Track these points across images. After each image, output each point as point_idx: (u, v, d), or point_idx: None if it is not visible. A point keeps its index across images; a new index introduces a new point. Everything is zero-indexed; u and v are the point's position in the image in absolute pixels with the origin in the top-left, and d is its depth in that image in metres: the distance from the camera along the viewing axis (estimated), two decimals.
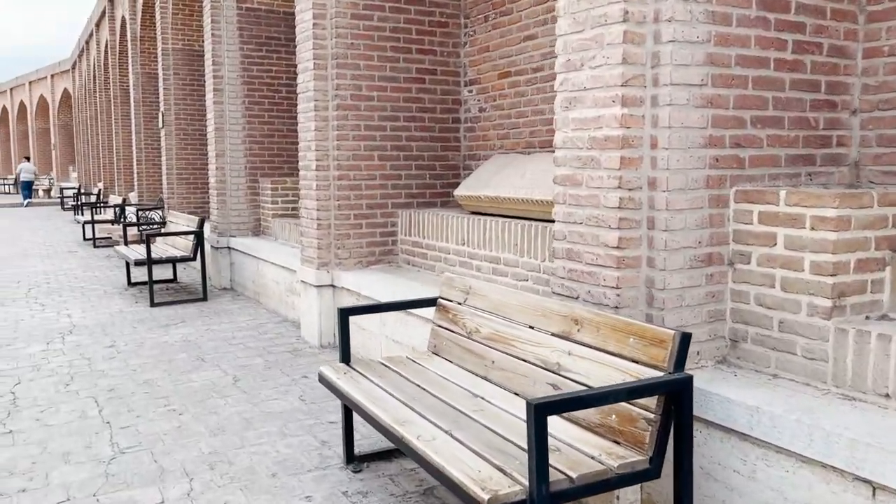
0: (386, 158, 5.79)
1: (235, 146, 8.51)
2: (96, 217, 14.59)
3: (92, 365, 5.40)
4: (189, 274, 9.85)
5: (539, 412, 2.03)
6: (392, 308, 3.62)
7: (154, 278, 7.85)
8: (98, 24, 19.41)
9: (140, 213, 11.49)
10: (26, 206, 27.32)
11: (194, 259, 7.88)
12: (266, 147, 8.68)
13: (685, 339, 2.31)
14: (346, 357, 3.47)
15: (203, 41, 11.23)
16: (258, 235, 8.70)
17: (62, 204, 24.93)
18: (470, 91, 5.97)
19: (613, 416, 2.39)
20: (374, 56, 5.67)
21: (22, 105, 35.63)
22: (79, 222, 14.60)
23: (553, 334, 2.81)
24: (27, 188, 28.54)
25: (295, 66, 8.71)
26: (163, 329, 6.57)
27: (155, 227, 10.87)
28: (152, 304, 7.61)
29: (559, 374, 2.72)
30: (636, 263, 2.84)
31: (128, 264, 8.73)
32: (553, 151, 5.20)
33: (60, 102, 31.35)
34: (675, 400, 2.27)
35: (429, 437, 2.50)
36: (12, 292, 8.64)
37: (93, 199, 22.42)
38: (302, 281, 6.02)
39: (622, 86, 2.75)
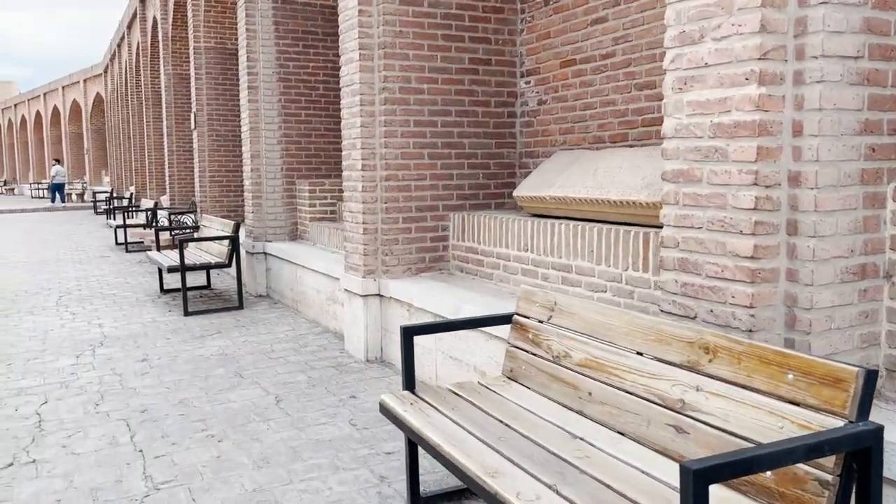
0: (436, 157, 5.32)
1: (271, 146, 8.11)
2: (128, 221, 14.36)
3: (123, 381, 5.00)
4: (223, 280, 9.49)
5: (700, 480, 1.53)
6: (462, 326, 3.15)
7: (187, 285, 7.47)
8: (129, 26, 19.26)
9: (172, 216, 11.16)
10: (60, 206, 27.70)
11: (229, 266, 7.49)
12: (303, 147, 8.27)
13: (871, 378, 1.79)
14: (410, 383, 3.00)
15: (236, 38, 10.89)
16: (295, 240, 8.30)
17: (95, 208, 24.91)
18: (527, 82, 5.48)
19: (769, 474, 1.89)
20: (424, 45, 5.21)
21: (56, 110, 35.87)
22: (111, 226, 14.38)
23: (674, 364, 2.31)
24: (59, 190, 28.82)
25: (333, 62, 8.29)
26: (198, 341, 6.17)
27: (187, 231, 10.53)
28: (186, 313, 7.23)
29: (684, 414, 2.22)
30: (774, 277, 2.33)
31: (160, 271, 8.38)
32: (629, 146, 4.73)
33: (93, 106, 31.46)
34: (860, 456, 1.76)
35: (531, 495, 2.02)
36: (43, 300, 8.34)
37: (125, 202, 22.34)
38: (346, 290, 5.58)
39: (759, 59, 2.24)
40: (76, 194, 31.23)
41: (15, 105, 42.67)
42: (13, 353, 5.87)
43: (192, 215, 11.11)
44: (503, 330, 3.51)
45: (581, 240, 4.02)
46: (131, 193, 19.92)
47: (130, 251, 13.20)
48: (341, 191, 8.05)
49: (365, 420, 4.14)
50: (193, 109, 11.16)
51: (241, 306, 7.53)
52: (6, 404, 4.58)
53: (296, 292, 7.40)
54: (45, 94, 36.93)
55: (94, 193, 25.68)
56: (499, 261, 4.79)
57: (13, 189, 42.30)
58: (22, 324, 7.03)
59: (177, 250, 8.14)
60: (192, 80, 11.06)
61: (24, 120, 41.62)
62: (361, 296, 5.31)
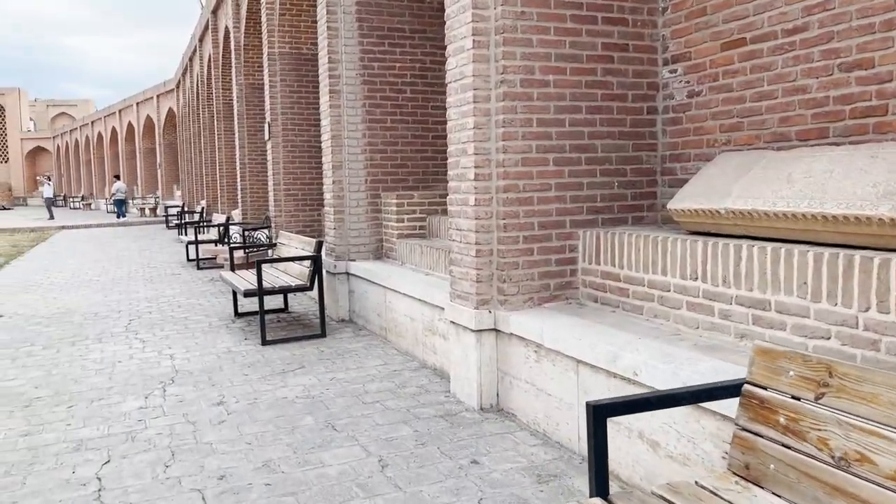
0: (563, 163, 4.41)
1: (354, 156, 7.35)
2: (199, 237, 13.93)
3: (197, 434, 4.24)
4: (301, 301, 8.78)
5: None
6: (674, 402, 2.21)
7: (264, 307, 6.75)
8: (201, 39, 19.07)
9: (246, 233, 10.56)
10: (120, 219, 28.03)
11: (311, 289, 6.73)
12: (389, 156, 7.48)
13: None
14: (601, 487, 2.08)
15: (312, 42, 10.25)
16: (380, 259, 7.50)
17: (167, 222, 24.94)
18: (673, 71, 4.51)
19: None
20: (550, 28, 4.31)
21: (130, 126, 36.52)
22: (182, 242, 13.94)
23: None
24: (120, 205, 29.25)
25: (421, 61, 7.49)
26: (279, 378, 5.40)
27: (262, 248, 9.90)
28: (264, 342, 6.50)
29: None
30: None
31: (235, 293, 7.71)
32: (833, 144, 3.69)
33: (165, 122, 31.80)
34: None
35: None
36: (112, 324, 7.77)
37: (196, 217, 22.19)
38: (452, 322, 4.71)
39: None
40: (149, 209, 31.56)
41: (92, 122, 43.81)
42: (77, 392, 5.21)
43: (267, 231, 10.48)
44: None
45: (786, 267, 3.04)
46: (202, 208, 19.68)
47: (202, 268, 12.72)
48: (431, 204, 7.21)
49: (498, 499, 3.23)
50: (267, 119, 10.56)
51: (323, 334, 6.76)
52: (64, 463, 3.86)
53: (384, 319, 6.58)
54: (119, 111, 37.68)
55: (166, 208, 25.74)
56: (651, 291, 3.83)
57: (90, 204, 43.40)
58: (89, 353, 6.42)
59: (252, 270, 7.46)
60: (266, 87, 10.47)
61: (100, 136, 42.66)
62: (474, 331, 4.42)
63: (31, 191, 54.62)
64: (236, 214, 15.04)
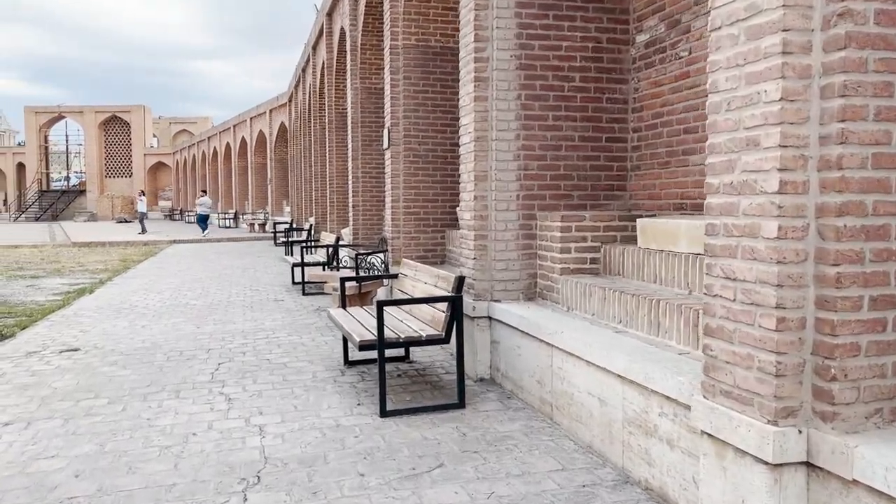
0: None
1: (504, 164, 5.57)
2: (307, 257, 12.56)
3: None
4: (425, 348, 7.05)
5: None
6: None
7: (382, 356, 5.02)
8: (314, 46, 18.02)
9: (359, 257, 8.96)
10: (203, 235, 27.62)
11: (447, 340, 4.96)
12: (549, 165, 5.66)
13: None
14: None
15: (441, 34, 8.61)
16: (532, 300, 5.66)
17: (274, 239, 24.17)
18: None
19: None
20: None
21: (243, 141, 36.63)
22: (288, 262, 12.63)
23: None
24: (203, 220, 28.86)
25: (595, 39, 5.65)
26: (408, 486, 3.63)
27: (376, 275, 8.28)
28: (383, 413, 4.78)
29: None
30: None
31: (346, 340, 6.06)
32: None
33: (277, 137, 31.45)
34: None
35: None
36: (198, 369, 6.31)
37: (304, 234, 21.16)
38: (708, 434, 2.78)
39: None
40: (258, 224, 31.19)
41: (208, 138, 44.63)
42: (125, 493, 3.62)
43: (382, 256, 8.86)
44: None
45: None
46: (310, 225, 18.53)
47: (308, 293, 11.31)
48: (607, 229, 5.32)
49: None
50: (387, 125, 8.99)
51: (461, 403, 4.96)
52: None
53: (550, 390, 4.70)
54: (234, 127, 37.93)
55: (275, 224, 25.02)
56: None
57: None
58: (158, 418, 4.90)
59: (367, 307, 5.81)
60: (387, 87, 8.91)
61: (214, 152, 43.32)
62: (767, 463, 2.48)
63: (151, 205, 56.58)
64: (346, 234, 13.64)
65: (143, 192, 32.54)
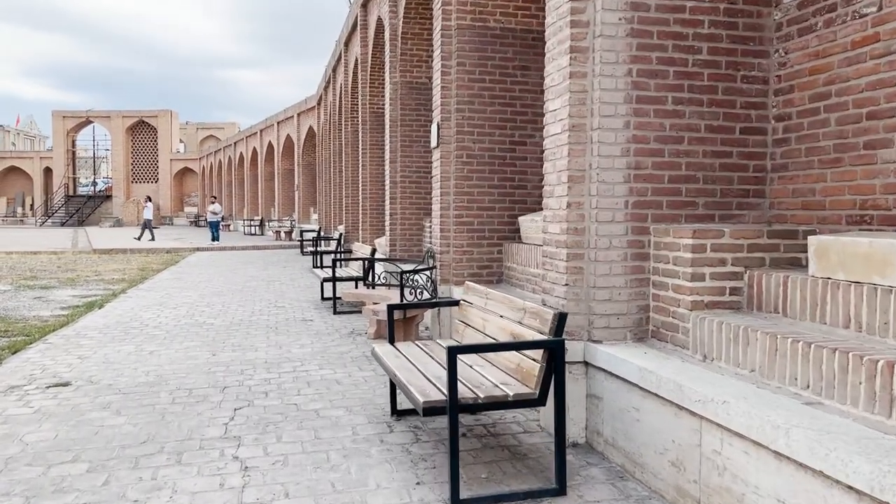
0: None
1: (608, 161, 4.23)
2: (338, 269, 11.29)
3: None
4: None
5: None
6: None
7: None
8: (347, 43, 16.83)
9: (405, 277, 7.61)
10: (213, 243, 26.50)
11: (542, 402, 3.61)
12: (667, 163, 4.30)
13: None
14: None
15: (502, 12, 7.31)
16: (643, 340, 4.29)
17: (301, 247, 23.01)
18: None
19: None
20: None
21: (270, 146, 35.67)
22: (316, 274, 11.37)
23: None
24: (214, 227, 27.69)
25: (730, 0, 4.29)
26: None
27: (430, 301, 6.97)
28: (455, 500, 3.44)
29: None
30: None
31: (393, 385, 4.73)
32: None
33: (305, 141, 30.38)
34: None
35: None
36: (209, 417, 5.03)
37: (332, 244, 19.94)
38: None
39: None
40: (284, 232, 30.11)
41: (234, 143, 43.80)
42: None
43: (429, 273, 7.54)
44: None
45: None
46: (340, 234, 17.30)
47: (339, 312, 10.03)
48: (752, 249, 3.95)
49: None
50: (436, 119, 7.69)
51: (561, 489, 3.60)
52: None
53: (697, 481, 3.31)
54: (260, 131, 37.00)
55: (302, 232, 23.88)
56: None
57: (228, 225, 43.23)
58: (151, 499, 3.61)
59: (423, 346, 4.52)
60: (437, 75, 7.61)
61: (241, 157, 42.46)
62: None
63: (176, 211, 56.01)
64: (381, 244, 12.36)
65: (149, 198, 31.47)
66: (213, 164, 51.58)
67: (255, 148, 38.50)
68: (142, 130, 56.30)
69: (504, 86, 7.48)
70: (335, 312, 10.01)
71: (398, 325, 6.85)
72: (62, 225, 51.31)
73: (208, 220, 28.18)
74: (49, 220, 53.08)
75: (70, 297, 12.30)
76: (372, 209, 14.26)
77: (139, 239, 28.68)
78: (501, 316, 4.34)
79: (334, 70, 20.31)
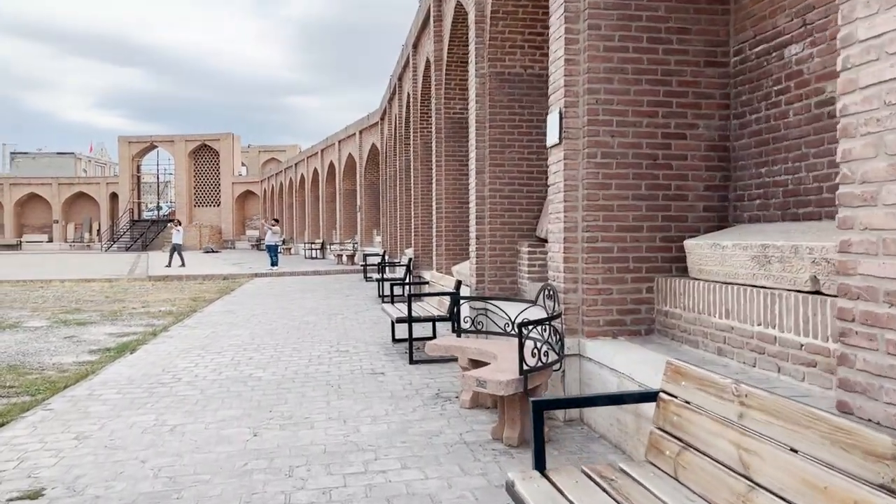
0: None
1: None
2: (414, 305, 9.24)
3: None
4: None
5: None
6: None
7: None
8: (416, 43, 14.94)
9: (527, 330, 5.40)
10: (272, 269, 24.76)
11: None
12: None
13: None
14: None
15: None
16: None
17: (364, 272, 21.16)
18: None
19: None
20: None
21: (331, 166, 34.22)
22: (381, 302, 9.34)
23: None
24: (274, 251, 25.72)
25: None
26: None
27: (550, 360, 4.81)
28: None
29: None
30: None
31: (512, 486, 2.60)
32: None
33: (367, 160, 28.72)
34: None
35: None
36: None
37: (397, 270, 17.97)
38: None
39: None
40: (346, 256, 28.41)
41: (295, 164, 42.65)
42: None
43: (557, 325, 5.33)
44: None
45: None
46: (409, 259, 15.32)
47: (417, 361, 7.96)
48: None
49: None
50: (557, 107, 5.58)
51: None
52: None
53: None
54: (321, 151, 35.62)
55: (365, 256, 22.05)
56: None
57: (290, 248, 41.98)
58: None
59: (605, 481, 2.29)
60: (558, 45, 5.51)
61: (302, 179, 41.26)
62: None
63: (239, 234, 55.39)
64: (461, 273, 10.28)
65: (178, 221, 30.08)
66: (274, 187, 50.74)
67: (315, 168, 37.18)
68: (204, 154, 56.08)
69: (654, 56, 5.33)
70: (411, 361, 7.94)
71: (512, 405, 4.69)
72: (126, 250, 51.18)
73: (266, 243, 26.52)
74: (115, 245, 53.11)
75: (105, 335, 10.63)
76: (448, 231, 12.20)
77: (169, 265, 27.21)
78: (794, 451, 2.13)
79: (400, 78, 18.49)
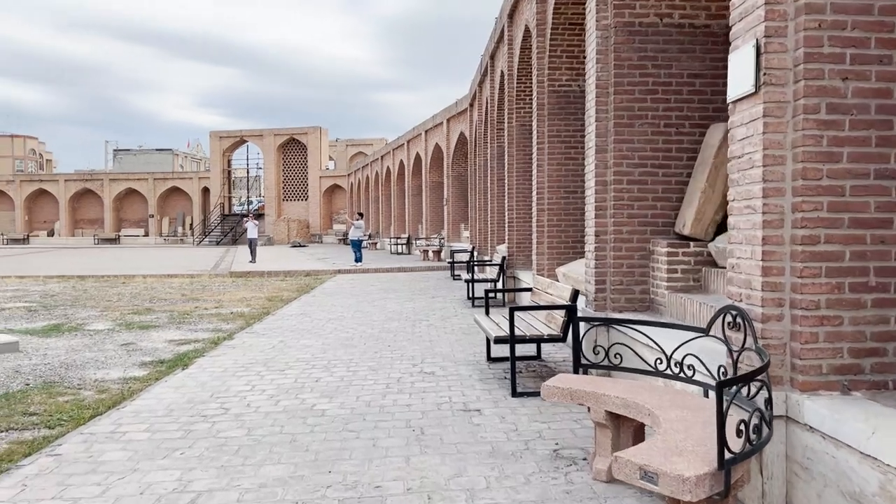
0: None
1: None
2: (517, 321, 7.47)
3: None
4: None
5: None
6: None
7: None
8: (513, 10, 13.13)
9: (725, 391, 3.57)
10: (356, 265, 23.44)
11: None
12: None
13: None
14: None
15: None
16: None
17: (451, 270, 19.59)
18: None
19: None
20: None
21: (417, 157, 32.88)
22: (483, 329, 7.69)
23: None
24: (357, 247, 24.33)
25: None
26: None
27: (760, 441, 2.98)
28: None
29: None
30: None
31: None
32: None
33: (455, 150, 27.14)
34: None
35: None
36: None
37: (489, 270, 16.24)
38: None
39: None
40: (432, 251, 26.95)
41: (381, 157, 41.61)
42: None
43: (764, 377, 3.47)
44: None
45: None
46: (503, 258, 13.57)
47: (522, 394, 6.22)
48: None
49: None
50: (757, 36, 3.69)
51: None
52: None
53: None
54: (407, 142, 34.33)
55: (452, 252, 20.48)
56: None
57: (375, 243, 41.02)
58: None
59: None
60: None
61: (388, 172, 40.16)
62: None
63: (326, 229, 55.12)
64: (571, 276, 8.45)
65: (255, 214, 29.12)
66: (360, 181, 50.04)
67: (402, 161, 35.93)
68: (292, 148, 56.07)
69: None
70: (514, 394, 6.21)
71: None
72: (217, 244, 51.71)
73: (350, 237, 25.32)
74: (206, 239, 53.82)
75: (165, 343, 9.43)
76: (551, 225, 10.37)
77: (253, 261, 26.38)
78: None
79: (493, 56, 16.72)
